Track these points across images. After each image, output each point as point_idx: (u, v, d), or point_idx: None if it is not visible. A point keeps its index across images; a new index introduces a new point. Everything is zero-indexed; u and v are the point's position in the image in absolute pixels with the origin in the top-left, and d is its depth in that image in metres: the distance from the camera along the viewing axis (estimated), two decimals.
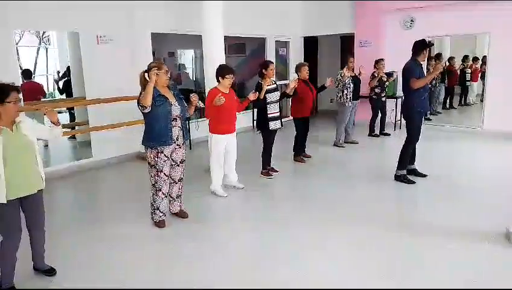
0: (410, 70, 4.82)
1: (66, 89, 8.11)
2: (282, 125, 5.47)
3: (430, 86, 4.95)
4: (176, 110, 3.81)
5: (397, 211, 4.46)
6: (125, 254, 3.54)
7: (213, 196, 4.88)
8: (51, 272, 3.17)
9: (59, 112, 7.46)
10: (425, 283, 2.96)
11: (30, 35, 11.48)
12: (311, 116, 6.24)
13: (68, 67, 8.24)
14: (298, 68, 6.05)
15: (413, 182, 5.08)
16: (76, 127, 7.59)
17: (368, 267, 3.21)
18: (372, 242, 3.62)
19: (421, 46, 4.87)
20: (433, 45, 4.90)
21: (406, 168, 5.14)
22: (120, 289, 3.00)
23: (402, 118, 5.15)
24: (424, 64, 6.12)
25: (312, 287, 2.96)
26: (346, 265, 3.25)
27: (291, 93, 5.68)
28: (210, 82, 5.61)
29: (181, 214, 4.23)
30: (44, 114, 2.96)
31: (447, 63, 9.78)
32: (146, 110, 3.63)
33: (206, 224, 4.15)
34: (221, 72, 4.67)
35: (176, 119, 3.83)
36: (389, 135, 8.10)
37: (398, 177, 5.15)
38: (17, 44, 8.25)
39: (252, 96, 4.95)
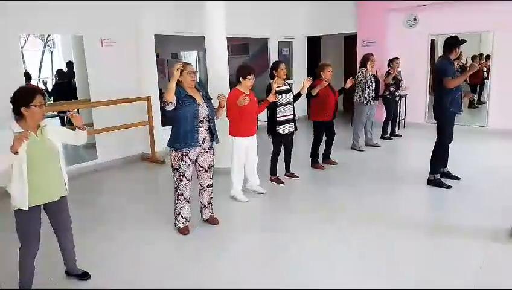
0: (444, 70, 4.64)
1: (57, 92, 8.07)
2: (296, 128, 5.22)
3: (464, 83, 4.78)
4: (203, 111, 3.69)
5: (406, 211, 4.40)
6: (135, 255, 3.57)
7: (229, 201, 4.76)
8: (84, 276, 3.14)
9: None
10: (430, 280, 2.97)
11: (35, 39, 11.55)
12: (333, 119, 5.88)
13: (58, 70, 8.29)
14: (321, 69, 5.68)
15: (449, 187, 4.86)
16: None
17: (376, 267, 3.22)
18: (378, 241, 3.64)
19: (452, 43, 4.72)
20: (465, 42, 4.82)
21: (439, 172, 4.98)
22: (124, 289, 3.02)
23: (433, 119, 4.95)
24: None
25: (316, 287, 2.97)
26: (360, 265, 3.28)
27: (314, 94, 5.42)
28: (213, 83, 5.64)
29: (212, 221, 4.09)
30: (70, 118, 2.90)
31: (470, 62, 9.54)
32: (168, 107, 3.52)
33: (219, 227, 4.07)
34: (242, 72, 4.51)
35: (203, 121, 3.72)
36: (400, 136, 7.89)
37: (431, 182, 4.96)
38: (22, 48, 8.31)
39: (271, 98, 4.71)
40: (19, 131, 2.57)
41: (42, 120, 2.75)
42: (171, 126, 3.79)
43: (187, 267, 3.33)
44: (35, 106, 2.63)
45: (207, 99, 3.82)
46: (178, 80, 3.57)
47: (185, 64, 3.67)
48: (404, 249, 3.50)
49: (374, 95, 6.76)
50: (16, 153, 2.48)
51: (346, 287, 2.91)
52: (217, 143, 3.95)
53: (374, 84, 6.75)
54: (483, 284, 2.91)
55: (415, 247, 3.54)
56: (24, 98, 2.63)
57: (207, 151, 3.87)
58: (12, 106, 2.67)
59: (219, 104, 3.89)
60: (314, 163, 6.00)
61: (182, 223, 3.92)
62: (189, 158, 3.73)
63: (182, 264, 3.41)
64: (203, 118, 3.72)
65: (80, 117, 2.92)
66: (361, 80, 6.74)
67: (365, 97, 6.73)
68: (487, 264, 3.19)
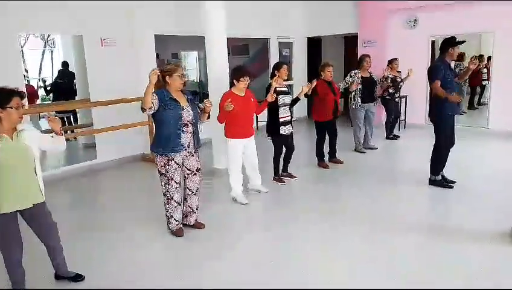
0: (434, 72, 4.55)
1: (56, 91, 8.24)
2: (292, 130, 5.18)
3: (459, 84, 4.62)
4: (187, 115, 3.59)
5: (406, 212, 4.39)
6: (133, 256, 3.55)
7: (228, 201, 4.74)
8: (78, 278, 3.07)
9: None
10: (430, 280, 2.96)
11: (35, 38, 11.54)
12: (334, 119, 5.89)
13: (59, 70, 8.34)
14: (322, 68, 5.74)
15: (450, 187, 4.86)
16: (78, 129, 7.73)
17: (376, 269, 3.21)
18: (381, 242, 3.63)
19: (446, 44, 4.57)
20: (463, 42, 4.60)
21: (440, 174, 4.94)
22: (123, 289, 3.03)
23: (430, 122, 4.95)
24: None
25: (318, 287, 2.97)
26: (359, 264, 3.27)
27: (309, 93, 5.35)
28: (213, 84, 5.63)
29: (197, 225, 4.01)
30: (47, 121, 2.82)
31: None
32: (146, 112, 3.50)
33: (216, 228, 4.06)
34: (236, 74, 4.43)
35: (188, 124, 3.62)
36: (399, 137, 7.85)
37: (432, 182, 4.96)
38: (22, 47, 8.31)
39: (270, 97, 4.66)
40: None
41: (19, 123, 2.64)
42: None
43: (187, 269, 3.32)
44: (11, 107, 2.53)
45: (192, 103, 3.72)
46: (166, 82, 3.54)
47: (177, 66, 3.62)
48: (403, 250, 3.49)
49: (359, 98, 6.60)
50: None
51: (346, 287, 2.91)
52: (198, 148, 3.85)
53: (360, 87, 6.56)
54: (482, 286, 2.89)
55: (415, 248, 3.52)
56: (0, 99, 2.53)
57: (193, 155, 3.79)
58: None
59: (204, 109, 3.80)
60: (320, 162, 6.04)
61: (176, 225, 3.87)
62: (175, 162, 3.63)
63: (181, 265, 3.40)
64: (188, 121, 3.62)
65: (59, 121, 2.83)
66: (349, 82, 6.60)
67: (351, 101, 6.69)
68: (487, 266, 3.18)
